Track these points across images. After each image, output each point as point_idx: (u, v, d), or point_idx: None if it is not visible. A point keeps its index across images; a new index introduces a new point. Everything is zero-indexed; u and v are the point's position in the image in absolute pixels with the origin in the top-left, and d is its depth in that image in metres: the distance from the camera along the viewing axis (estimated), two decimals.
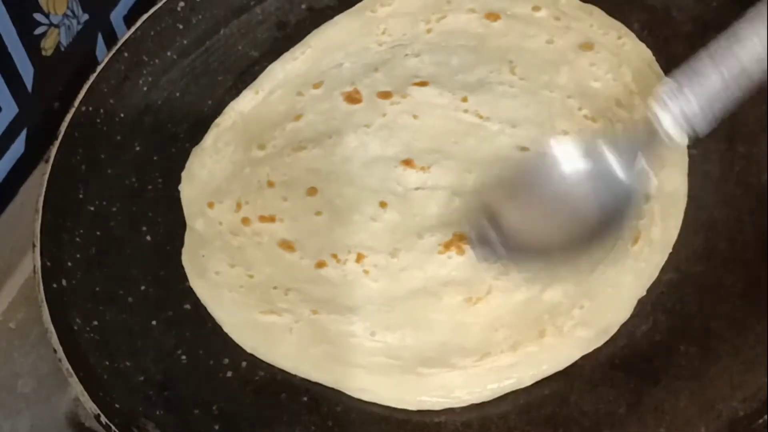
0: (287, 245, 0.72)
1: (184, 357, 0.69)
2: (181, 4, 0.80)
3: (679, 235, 0.70)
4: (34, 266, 0.68)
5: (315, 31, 0.82)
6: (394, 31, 0.81)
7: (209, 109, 0.80)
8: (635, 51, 0.78)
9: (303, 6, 0.83)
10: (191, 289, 0.72)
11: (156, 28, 0.79)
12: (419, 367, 0.66)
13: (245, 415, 0.67)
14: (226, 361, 0.69)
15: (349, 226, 0.72)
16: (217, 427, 0.66)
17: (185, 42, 0.81)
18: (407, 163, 0.74)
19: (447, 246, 0.70)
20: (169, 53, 0.80)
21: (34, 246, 0.69)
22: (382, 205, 0.72)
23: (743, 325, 0.66)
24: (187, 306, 0.71)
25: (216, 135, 0.78)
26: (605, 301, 0.67)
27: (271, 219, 0.74)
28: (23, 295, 0.75)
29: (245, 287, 0.71)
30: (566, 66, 0.77)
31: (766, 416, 0.62)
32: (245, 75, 0.81)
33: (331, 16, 0.83)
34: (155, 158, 0.77)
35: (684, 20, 0.78)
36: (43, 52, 0.78)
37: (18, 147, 0.79)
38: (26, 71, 0.77)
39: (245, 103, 0.80)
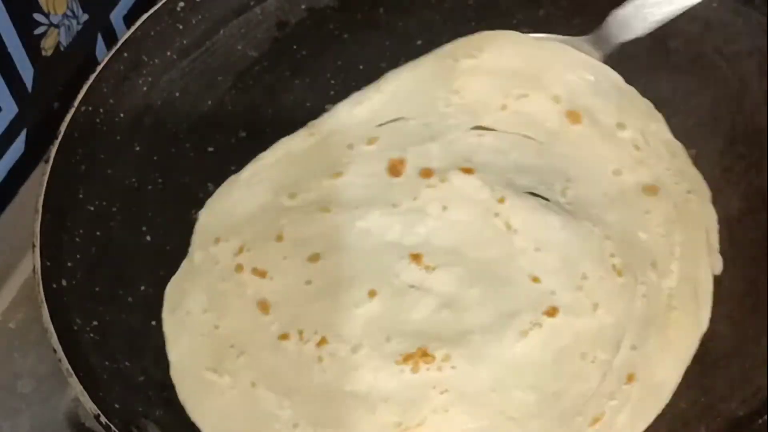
0: (264, 306, 0.69)
1: None
2: (181, 4, 0.80)
3: None
4: (34, 266, 0.68)
5: (388, 74, 0.77)
6: (468, 93, 0.75)
7: (209, 109, 0.80)
8: (699, 213, 0.71)
9: (303, 6, 0.83)
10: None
11: (156, 28, 0.79)
12: None
13: None
14: None
15: (329, 305, 0.68)
16: None
17: (185, 42, 0.80)
18: (415, 257, 0.69)
19: (406, 359, 0.65)
20: (169, 53, 0.80)
21: (34, 246, 0.69)
22: (371, 294, 0.68)
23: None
24: None
25: (255, 169, 0.75)
26: None
27: (263, 274, 0.70)
28: (23, 295, 0.75)
29: (206, 337, 0.69)
30: (621, 205, 0.71)
31: (766, 416, 0.62)
32: (245, 75, 0.81)
33: (332, 17, 0.83)
34: (155, 158, 0.77)
35: (684, 20, 0.78)
36: (43, 52, 0.78)
37: (18, 147, 0.79)
38: (26, 71, 0.77)
39: (297, 143, 0.75)
